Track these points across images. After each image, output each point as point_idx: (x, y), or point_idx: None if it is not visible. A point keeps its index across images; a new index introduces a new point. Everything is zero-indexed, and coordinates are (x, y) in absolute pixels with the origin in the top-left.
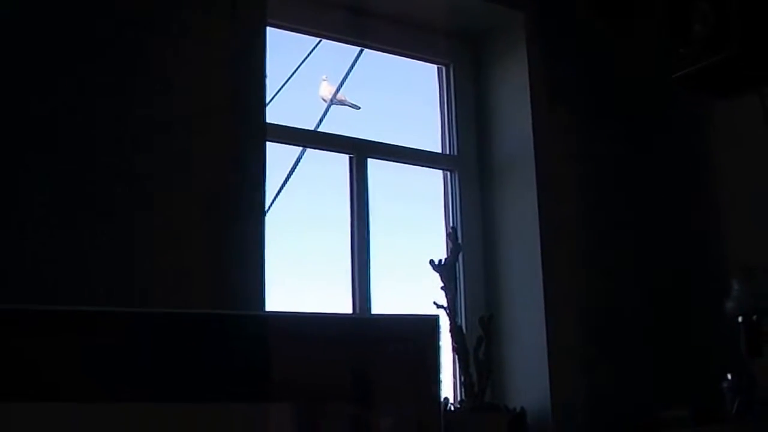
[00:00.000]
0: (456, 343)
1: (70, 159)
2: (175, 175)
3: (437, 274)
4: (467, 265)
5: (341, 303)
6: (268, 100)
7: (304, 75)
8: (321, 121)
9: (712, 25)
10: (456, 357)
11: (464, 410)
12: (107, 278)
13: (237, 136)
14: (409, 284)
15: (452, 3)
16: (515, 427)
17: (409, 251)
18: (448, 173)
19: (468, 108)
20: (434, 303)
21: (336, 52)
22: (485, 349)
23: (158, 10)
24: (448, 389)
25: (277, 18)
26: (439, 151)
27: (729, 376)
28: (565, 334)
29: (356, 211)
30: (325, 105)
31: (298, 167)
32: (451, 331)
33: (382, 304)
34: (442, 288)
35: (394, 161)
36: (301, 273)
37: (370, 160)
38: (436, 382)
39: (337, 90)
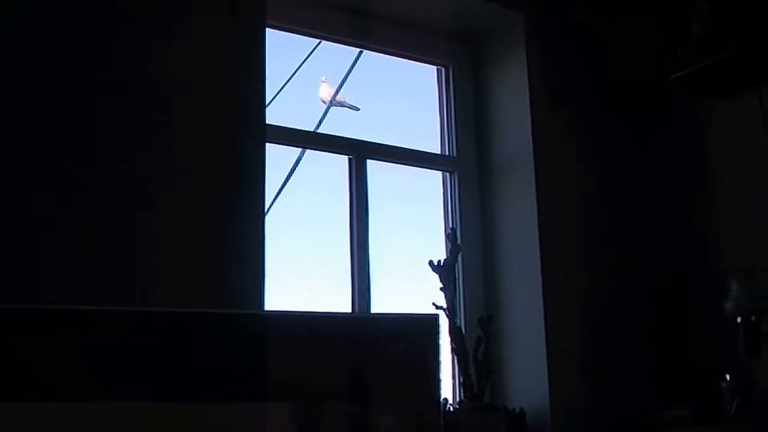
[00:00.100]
0: (455, 344)
1: (70, 159)
2: (175, 175)
3: (436, 275)
4: (466, 265)
5: (341, 303)
6: (268, 101)
7: (303, 76)
8: (321, 122)
9: (710, 26)
10: (455, 358)
11: (463, 411)
12: (107, 278)
13: (237, 136)
14: (409, 285)
15: (451, 4)
16: (514, 428)
17: (409, 252)
18: (448, 174)
19: (467, 109)
20: (433, 304)
21: (335, 54)
22: (484, 350)
23: (158, 10)
24: (447, 390)
25: (276, 19)
26: (439, 152)
27: (728, 377)
28: (564, 334)
29: (356, 212)
30: (325, 106)
31: (297, 168)
32: (450, 331)
33: (381, 305)
34: (441, 289)
35: (393, 162)
36: (301, 273)
37: (369, 161)
38: (436, 382)
39: (337, 91)
